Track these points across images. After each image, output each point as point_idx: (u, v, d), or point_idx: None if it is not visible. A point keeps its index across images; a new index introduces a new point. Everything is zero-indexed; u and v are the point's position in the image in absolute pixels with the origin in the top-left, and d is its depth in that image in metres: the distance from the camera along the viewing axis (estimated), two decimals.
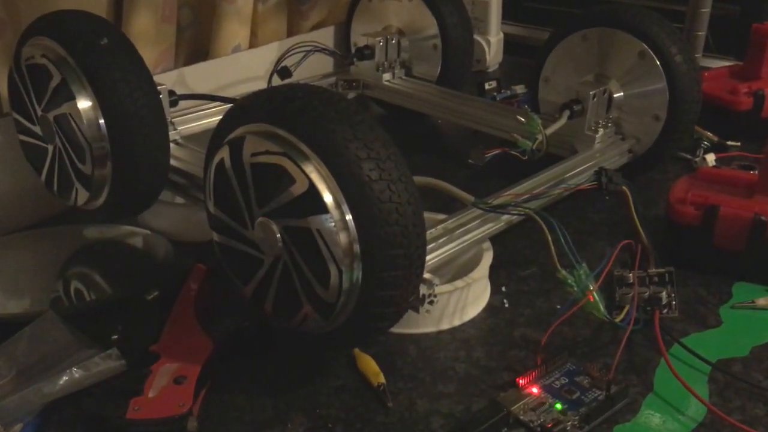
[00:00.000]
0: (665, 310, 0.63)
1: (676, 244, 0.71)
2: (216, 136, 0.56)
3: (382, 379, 0.57)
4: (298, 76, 0.93)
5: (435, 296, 0.56)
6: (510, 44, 1.31)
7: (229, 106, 0.57)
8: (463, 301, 0.64)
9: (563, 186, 0.71)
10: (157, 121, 0.66)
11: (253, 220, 0.53)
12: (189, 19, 0.97)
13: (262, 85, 0.98)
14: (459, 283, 0.63)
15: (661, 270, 0.63)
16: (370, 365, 0.58)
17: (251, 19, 1.01)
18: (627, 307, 0.61)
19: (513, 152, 0.74)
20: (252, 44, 1.03)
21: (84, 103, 0.65)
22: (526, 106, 0.93)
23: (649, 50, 0.79)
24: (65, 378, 0.54)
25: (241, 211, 0.53)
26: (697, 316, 0.65)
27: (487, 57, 1.26)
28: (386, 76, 1.02)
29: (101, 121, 0.65)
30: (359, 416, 0.54)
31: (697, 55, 1.08)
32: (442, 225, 0.65)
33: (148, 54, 0.88)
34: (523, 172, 0.74)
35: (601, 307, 0.59)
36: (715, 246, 0.68)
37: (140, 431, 0.51)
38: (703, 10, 1.08)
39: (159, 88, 0.69)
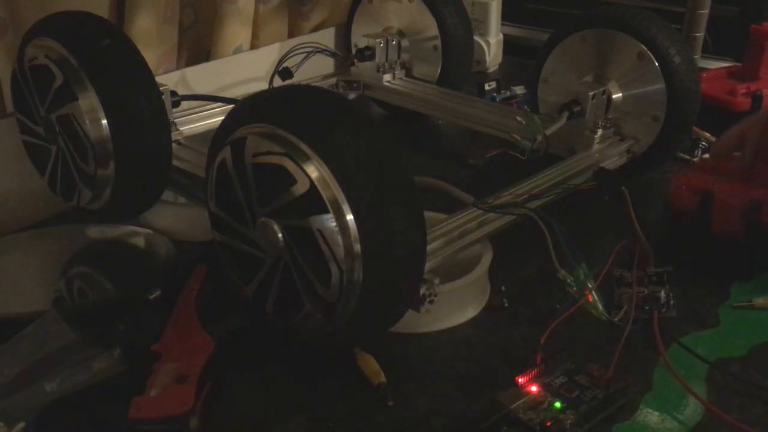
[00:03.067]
0: (664, 310, 0.63)
1: (676, 233, 0.72)
2: (218, 137, 0.57)
3: (382, 379, 0.57)
4: (299, 77, 0.94)
5: (435, 296, 0.56)
6: (510, 45, 1.31)
7: (231, 106, 0.57)
8: (463, 300, 0.64)
9: (563, 186, 0.71)
10: (160, 121, 0.67)
11: (255, 220, 0.53)
12: (191, 20, 0.98)
13: (264, 85, 0.98)
14: (459, 282, 0.63)
15: (660, 270, 0.63)
16: (370, 364, 0.58)
17: (252, 21, 1.01)
18: (626, 307, 0.62)
19: (513, 152, 0.74)
20: (253, 45, 1.04)
21: (87, 104, 0.65)
22: (525, 107, 0.93)
23: (648, 51, 0.79)
24: (67, 377, 0.54)
25: (243, 211, 0.54)
26: (695, 316, 0.65)
27: (487, 58, 1.26)
28: (387, 76, 1.02)
29: (104, 121, 0.65)
30: (359, 416, 0.54)
31: (695, 56, 1.08)
32: (443, 225, 0.65)
33: (151, 55, 0.88)
34: (523, 172, 0.75)
35: (600, 307, 0.59)
36: (712, 234, 0.69)
37: (142, 430, 0.52)
38: (702, 11, 1.08)
39: (161, 88, 0.70)
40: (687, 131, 0.83)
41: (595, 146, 0.82)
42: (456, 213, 0.67)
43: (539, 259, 0.72)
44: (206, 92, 0.90)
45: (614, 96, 0.83)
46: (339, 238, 0.49)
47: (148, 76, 0.66)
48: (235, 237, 0.56)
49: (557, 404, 0.53)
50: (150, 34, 0.88)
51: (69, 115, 0.66)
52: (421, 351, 0.61)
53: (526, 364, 0.59)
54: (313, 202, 0.49)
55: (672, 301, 0.63)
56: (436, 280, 0.56)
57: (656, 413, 0.54)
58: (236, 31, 0.98)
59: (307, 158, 0.49)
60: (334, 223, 0.48)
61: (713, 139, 0.95)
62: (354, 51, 1.06)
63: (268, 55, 1.03)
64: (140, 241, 0.75)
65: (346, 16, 1.09)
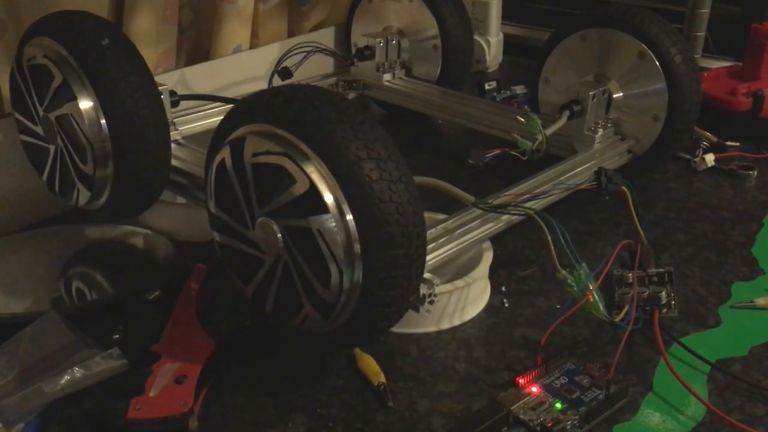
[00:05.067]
0: (665, 310, 0.63)
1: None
2: (217, 137, 0.56)
3: (382, 379, 0.57)
4: (299, 76, 0.94)
5: (435, 296, 0.56)
6: (510, 45, 1.31)
7: (230, 106, 0.57)
8: (463, 300, 0.64)
9: (563, 186, 0.71)
10: (159, 121, 0.66)
11: (254, 220, 0.53)
12: (190, 20, 0.98)
13: (263, 85, 0.98)
14: (459, 282, 0.63)
15: (661, 270, 0.63)
16: (370, 365, 0.58)
17: (252, 20, 1.01)
18: (627, 307, 0.62)
19: (513, 152, 0.74)
20: (253, 45, 1.03)
21: (85, 104, 0.65)
22: (525, 107, 0.93)
23: (649, 51, 0.79)
24: (66, 377, 0.54)
25: (242, 211, 0.54)
26: (696, 316, 0.65)
27: (487, 57, 1.26)
28: (386, 76, 1.02)
29: (103, 121, 0.65)
30: (359, 416, 0.54)
31: (696, 56, 1.08)
32: (442, 225, 0.65)
33: (150, 54, 0.88)
34: (523, 172, 0.75)
35: (601, 307, 0.59)
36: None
37: (141, 431, 0.52)
38: (703, 10, 1.08)
39: (160, 88, 0.69)
40: (688, 131, 0.83)
41: (596, 146, 0.81)
42: (456, 213, 0.67)
43: (539, 259, 0.72)
44: (205, 92, 0.90)
45: (615, 95, 0.83)
46: (339, 238, 0.48)
47: (147, 75, 0.66)
48: (234, 237, 0.56)
49: (558, 405, 0.53)
50: (149, 34, 0.88)
51: (68, 115, 0.66)
52: (421, 351, 0.61)
53: (526, 364, 0.59)
54: (313, 202, 0.49)
55: (673, 302, 0.63)
56: (436, 281, 0.56)
57: (657, 414, 0.54)
58: (235, 30, 0.98)
59: (307, 158, 0.49)
60: (334, 223, 0.48)
61: (714, 138, 0.95)
62: (354, 50, 1.06)
63: (268, 55, 1.03)
64: (139, 242, 0.75)
65: (346, 15, 1.09)
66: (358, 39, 1.06)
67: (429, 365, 0.59)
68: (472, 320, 0.65)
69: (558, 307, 0.66)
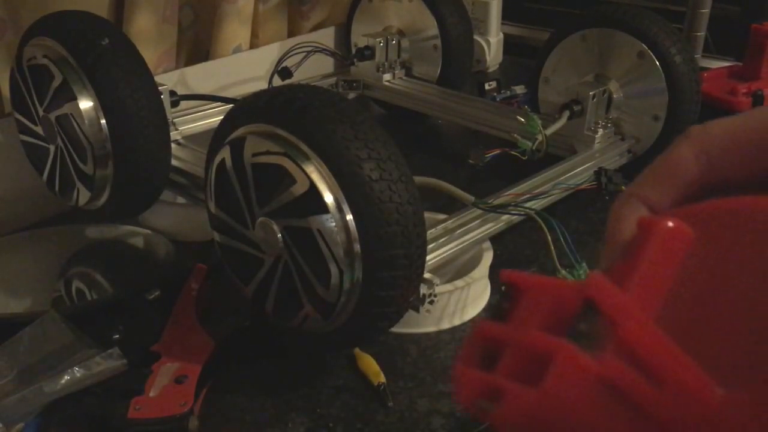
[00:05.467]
0: None
1: None
2: (217, 137, 0.57)
3: (382, 379, 0.57)
4: (299, 76, 0.94)
5: (435, 296, 0.56)
6: (510, 44, 1.31)
7: (230, 106, 0.57)
8: (463, 300, 0.64)
9: (563, 186, 0.71)
10: (159, 121, 0.66)
11: (254, 220, 0.53)
12: (190, 20, 0.98)
13: (263, 85, 0.98)
14: (459, 282, 0.63)
15: None
16: (370, 365, 0.58)
17: (252, 20, 1.01)
18: None
19: (513, 152, 0.74)
20: (253, 45, 1.03)
21: (85, 104, 0.65)
22: (526, 107, 0.93)
23: (649, 51, 0.79)
24: (66, 377, 0.54)
25: (242, 211, 0.54)
26: None
27: (487, 57, 1.26)
28: (386, 76, 1.02)
29: (103, 121, 0.65)
30: (359, 416, 0.54)
31: (696, 56, 1.08)
32: (442, 225, 0.65)
33: (150, 54, 0.88)
34: (523, 172, 0.74)
35: None
36: None
37: (141, 430, 0.52)
38: (703, 10, 1.08)
39: (160, 88, 0.69)
40: None
41: (596, 146, 0.81)
42: (456, 213, 0.67)
43: (539, 259, 0.72)
44: (205, 92, 0.90)
45: (615, 95, 0.83)
46: (339, 238, 0.48)
47: (147, 75, 0.66)
48: (234, 237, 0.56)
49: None
50: (149, 34, 0.88)
51: (68, 115, 0.66)
52: (421, 351, 0.61)
53: None
54: (313, 202, 0.49)
55: None
56: (436, 281, 0.56)
57: None
58: (235, 30, 0.98)
59: (307, 158, 0.49)
60: (334, 223, 0.48)
61: None
62: (354, 50, 1.06)
63: (268, 55, 1.03)
64: (139, 242, 0.75)
65: (346, 15, 1.09)
66: (358, 39, 1.06)
67: (429, 365, 0.59)
68: (472, 320, 0.65)
69: None
